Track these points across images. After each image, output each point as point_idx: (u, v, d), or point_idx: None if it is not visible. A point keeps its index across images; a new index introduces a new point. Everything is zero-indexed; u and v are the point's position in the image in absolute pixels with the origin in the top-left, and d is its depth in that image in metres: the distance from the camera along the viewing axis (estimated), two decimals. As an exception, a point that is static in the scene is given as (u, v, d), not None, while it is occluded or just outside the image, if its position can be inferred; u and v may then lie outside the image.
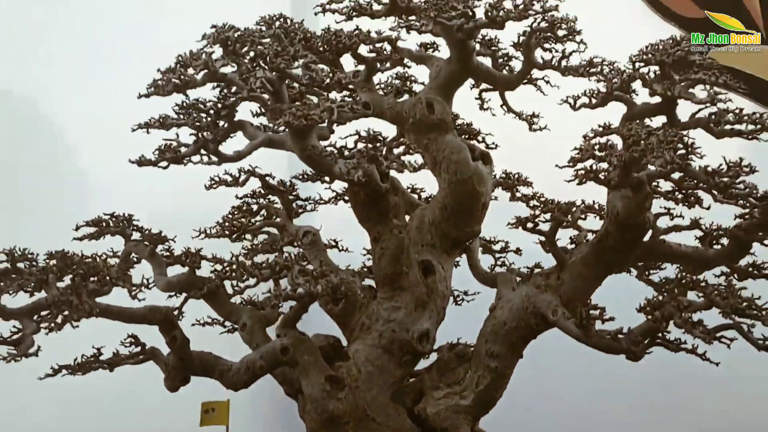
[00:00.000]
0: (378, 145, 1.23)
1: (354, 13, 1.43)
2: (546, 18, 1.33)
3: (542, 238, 1.33)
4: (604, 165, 1.21)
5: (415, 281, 1.37)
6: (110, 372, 1.27)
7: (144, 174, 1.46)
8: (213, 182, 1.49)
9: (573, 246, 1.40)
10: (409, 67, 1.50)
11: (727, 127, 1.22)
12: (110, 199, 1.60)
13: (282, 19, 1.45)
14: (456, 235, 1.44)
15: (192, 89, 1.27)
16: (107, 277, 1.13)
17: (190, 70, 1.26)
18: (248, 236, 1.57)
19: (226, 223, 1.55)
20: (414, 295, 1.36)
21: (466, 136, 1.57)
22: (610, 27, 2.35)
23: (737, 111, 1.20)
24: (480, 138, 1.60)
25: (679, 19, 2.32)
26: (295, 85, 1.37)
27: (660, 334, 1.18)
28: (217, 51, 1.30)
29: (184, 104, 1.30)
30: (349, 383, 1.30)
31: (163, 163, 1.31)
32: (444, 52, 1.44)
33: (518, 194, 1.52)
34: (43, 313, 1.13)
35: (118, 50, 2.15)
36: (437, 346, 1.40)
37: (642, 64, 1.28)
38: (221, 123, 1.35)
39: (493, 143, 1.60)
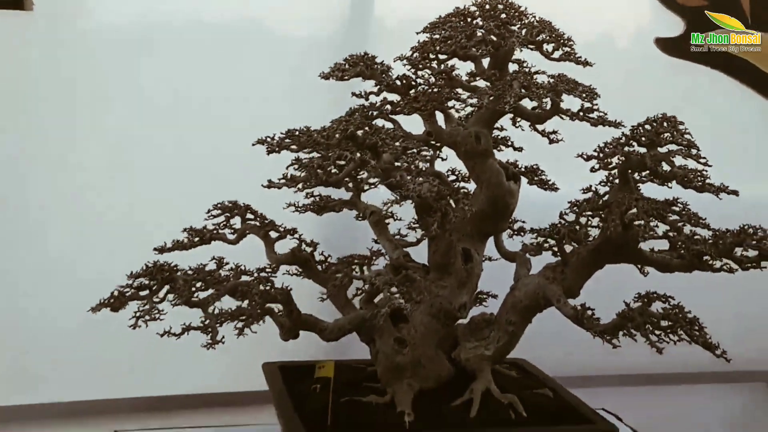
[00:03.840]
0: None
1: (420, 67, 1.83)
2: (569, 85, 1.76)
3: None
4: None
5: (459, 268, 1.87)
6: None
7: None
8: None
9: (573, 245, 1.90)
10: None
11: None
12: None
13: (368, 61, 1.87)
14: (489, 230, 1.95)
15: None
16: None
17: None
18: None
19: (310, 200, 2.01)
20: (457, 278, 1.87)
21: (500, 147, 2.04)
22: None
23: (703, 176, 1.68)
24: (509, 145, 2.08)
25: (682, 11, 2.70)
26: None
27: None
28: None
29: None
30: (409, 341, 1.84)
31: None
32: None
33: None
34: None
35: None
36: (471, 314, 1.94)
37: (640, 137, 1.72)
38: None
39: (520, 147, 2.08)
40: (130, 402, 2.50)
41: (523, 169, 2.09)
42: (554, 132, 1.95)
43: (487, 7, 1.78)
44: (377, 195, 2.08)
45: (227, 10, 2.57)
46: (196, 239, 1.84)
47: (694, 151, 1.69)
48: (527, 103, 1.86)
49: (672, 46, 2.74)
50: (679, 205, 1.79)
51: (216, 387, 2.55)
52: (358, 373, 1.97)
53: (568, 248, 1.88)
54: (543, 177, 2.11)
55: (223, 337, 1.57)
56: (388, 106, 1.88)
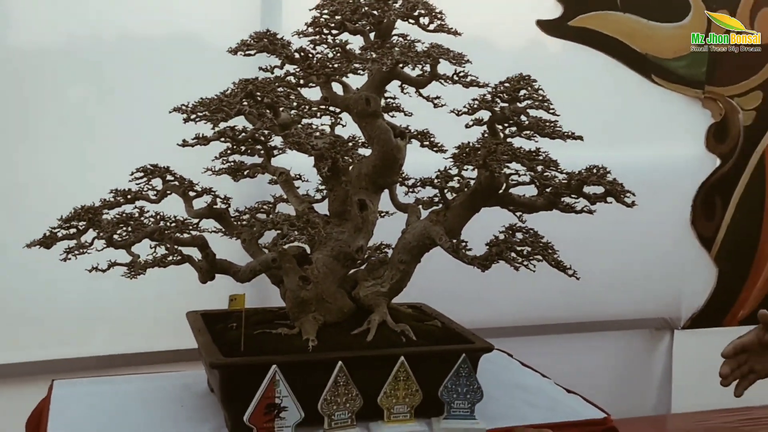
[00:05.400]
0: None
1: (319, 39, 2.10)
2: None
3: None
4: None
5: (355, 215, 2.14)
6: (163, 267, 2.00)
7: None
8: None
9: (455, 195, 2.19)
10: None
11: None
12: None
13: (270, 37, 2.13)
14: (382, 183, 2.22)
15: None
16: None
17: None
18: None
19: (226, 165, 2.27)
20: (354, 224, 2.15)
21: (393, 114, 2.32)
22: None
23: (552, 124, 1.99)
24: (400, 110, 2.35)
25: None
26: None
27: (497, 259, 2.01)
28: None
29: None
30: (313, 279, 2.10)
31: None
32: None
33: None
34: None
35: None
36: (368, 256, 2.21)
37: (501, 93, 2.02)
38: None
39: (409, 112, 2.36)
40: (67, 362, 2.71)
41: (415, 133, 2.38)
42: (438, 97, 2.23)
43: (369, -15, 2.06)
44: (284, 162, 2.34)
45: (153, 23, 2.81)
46: (121, 199, 2.07)
47: (546, 104, 1.99)
48: (413, 74, 2.16)
49: (552, 28, 3.08)
50: (541, 154, 2.09)
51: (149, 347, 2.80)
52: (272, 314, 2.22)
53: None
54: (432, 140, 2.39)
55: (145, 270, 1.81)
56: (290, 78, 2.14)
